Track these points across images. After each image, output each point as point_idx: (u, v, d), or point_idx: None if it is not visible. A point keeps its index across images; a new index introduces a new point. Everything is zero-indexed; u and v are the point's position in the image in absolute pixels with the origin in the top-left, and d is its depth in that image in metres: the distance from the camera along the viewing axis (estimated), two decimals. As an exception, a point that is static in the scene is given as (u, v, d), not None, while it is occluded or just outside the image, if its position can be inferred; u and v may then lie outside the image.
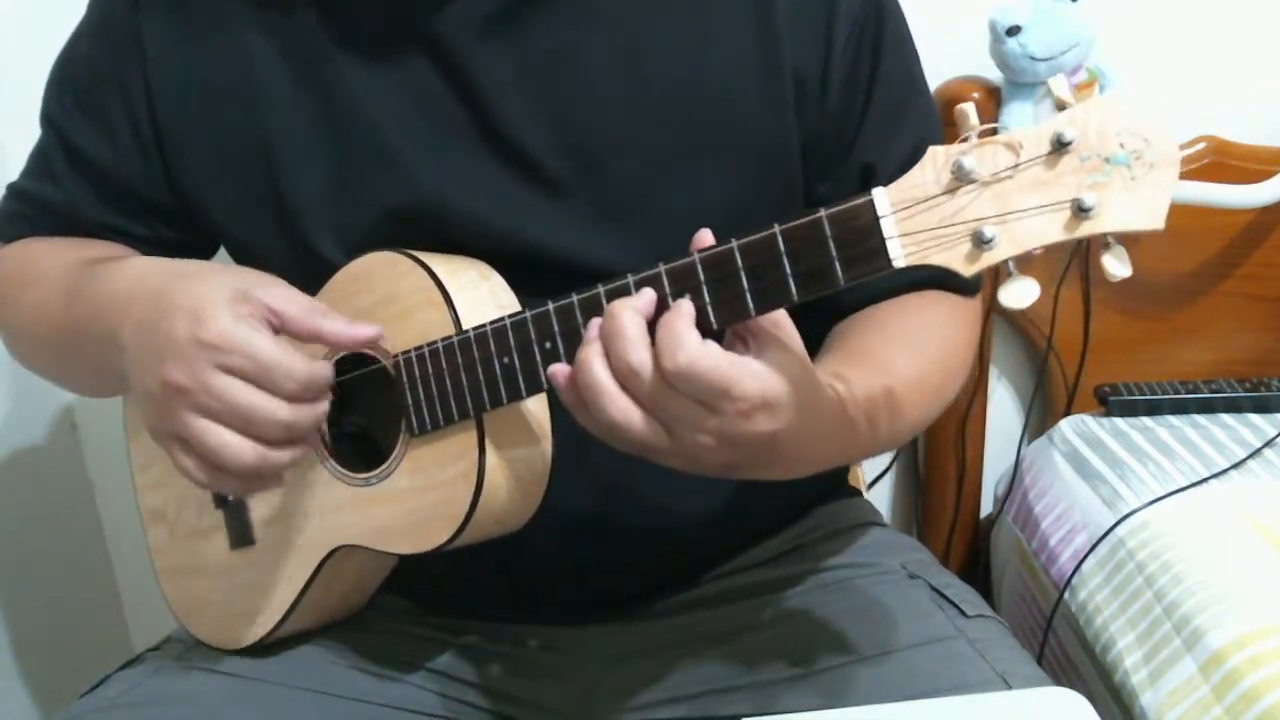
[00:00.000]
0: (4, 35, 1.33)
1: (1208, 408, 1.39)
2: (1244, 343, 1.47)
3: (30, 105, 0.96)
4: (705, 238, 0.68)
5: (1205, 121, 1.41)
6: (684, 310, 0.66)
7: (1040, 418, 1.54)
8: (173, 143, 0.89)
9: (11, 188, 0.97)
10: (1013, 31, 1.29)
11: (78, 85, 0.92)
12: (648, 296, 0.67)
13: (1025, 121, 1.33)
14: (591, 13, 0.83)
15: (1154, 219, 0.57)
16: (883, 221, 0.62)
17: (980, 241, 0.60)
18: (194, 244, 0.96)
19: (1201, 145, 1.40)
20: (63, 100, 0.93)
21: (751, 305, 0.66)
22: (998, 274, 0.61)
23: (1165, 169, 0.57)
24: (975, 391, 1.47)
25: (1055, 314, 1.36)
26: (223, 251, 0.96)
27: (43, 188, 0.94)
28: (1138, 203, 0.57)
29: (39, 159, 0.95)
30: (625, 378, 0.66)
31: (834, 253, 0.63)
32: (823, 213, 0.64)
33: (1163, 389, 1.41)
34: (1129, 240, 0.59)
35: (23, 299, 0.91)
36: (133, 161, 0.90)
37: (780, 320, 0.68)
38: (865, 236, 0.62)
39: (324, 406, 0.76)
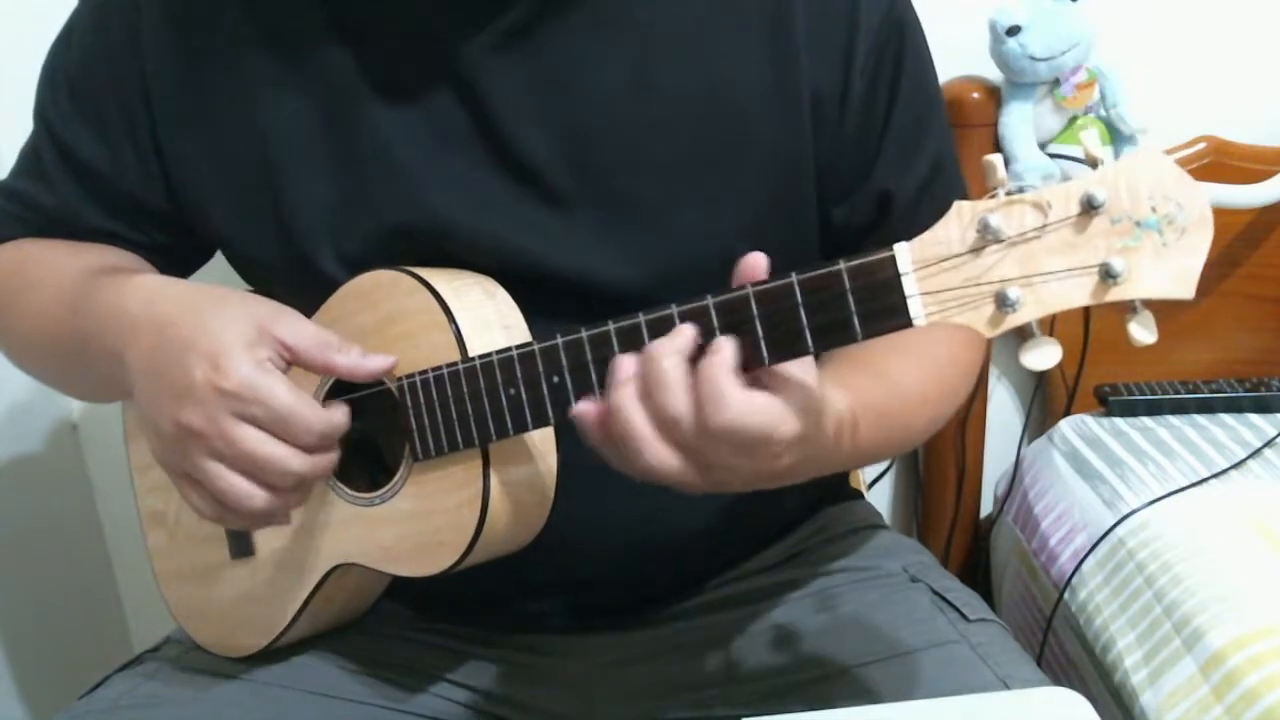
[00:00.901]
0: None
1: (1208, 408, 1.40)
2: (1244, 343, 1.47)
3: (21, 101, 0.94)
4: (758, 262, 0.65)
5: (1205, 121, 1.41)
6: (726, 359, 0.63)
7: (1040, 418, 1.54)
8: (172, 151, 0.88)
9: (1, 186, 0.95)
10: (1013, 31, 1.29)
11: (73, 87, 0.90)
12: (688, 334, 0.65)
13: (1025, 122, 1.33)
14: (604, 31, 0.82)
15: (1184, 288, 0.56)
16: (904, 279, 0.60)
17: (1004, 303, 0.58)
18: (190, 249, 0.95)
19: (1201, 145, 1.40)
20: (57, 100, 0.91)
21: (766, 354, 0.64)
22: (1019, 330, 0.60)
23: (1198, 234, 0.56)
24: (975, 391, 1.47)
25: (1055, 314, 1.36)
26: (220, 258, 0.96)
27: (35, 188, 0.92)
28: (1168, 270, 0.56)
29: (31, 158, 0.93)
30: (666, 426, 0.64)
31: (853, 307, 0.62)
32: (842, 265, 0.62)
33: (1163, 389, 1.42)
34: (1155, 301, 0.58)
35: (18, 303, 0.90)
36: (129, 167, 0.89)
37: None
38: (885, 293, 0.61)
39: (335, 455, 0.76)
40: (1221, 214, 1.48)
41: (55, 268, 0.89)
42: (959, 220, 0.59)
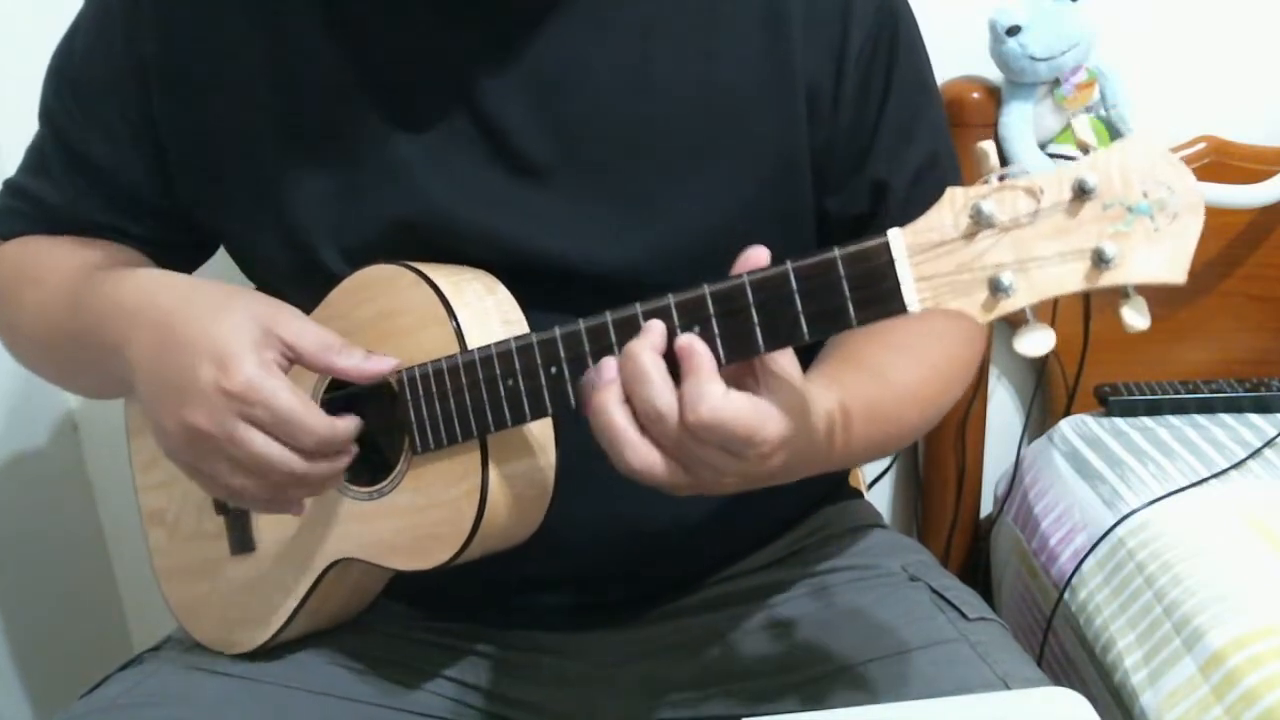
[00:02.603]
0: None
1: (1208, 408, 1.39)
2: (1244, 343, 1.47)
3: (24, 99, 0.95)
4: (759, 255, 0.66)
5: (1205, 121, 1.41)
6: (705, 359, 0.64)
7: (1040, 418, 1.54)
8: (173, 148, 0.88)
9: (8, 184, 0.96)
10: (1013, 31, 1.29)
11: (76, 82, 0.91)
12: (659, 331, 0.66)
13: (1025, 122, 1.33)
14: (600, 26, 0.82)
15: (1176, 272, 0.56)
16: (898, 265, 0.61)
17: (997, 289, 0.59)
18: (193, 245, 0.96)
19: (1201, 145, 1.40)
20: (61, 97, 0.92)
21: (761, 342, 0.65)
22: (1012, 318, 0.61)
23: (1189, 219, 0.56)
24: (975, 391, 1.47)
25: (1055, 314, 1.35)
26: (224, 254, 0.96)
27: (40, 185, 0.93)
28: (1160, 254, 0.56)
29: (36, 155, 0.94)
30: (650, 421, 0.65)
31: (847, 294, 0.62)
32: (836, 252, 0.63)
33: (1163, 389, 1.41)
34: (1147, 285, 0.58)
35: (22, 299, 0.91)
36: (131, 163, 0.90)
37: (783, 354, 0.68)
38: (879, 279, 0.61)
39: (344, 462, 0.77)
40: (1221, 214, 1.49)
41: (56, 264, 0.90)
42: (952, 206, 0.60)
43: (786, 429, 0.66)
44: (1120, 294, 0.58)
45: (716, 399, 0.63)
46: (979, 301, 0.59)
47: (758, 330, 0.65)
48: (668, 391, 0.64)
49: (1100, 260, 0.57)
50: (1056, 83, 1.33)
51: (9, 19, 1.32)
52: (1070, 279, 0.58)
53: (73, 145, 0.91)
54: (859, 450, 0.79)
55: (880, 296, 0.62)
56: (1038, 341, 0.60)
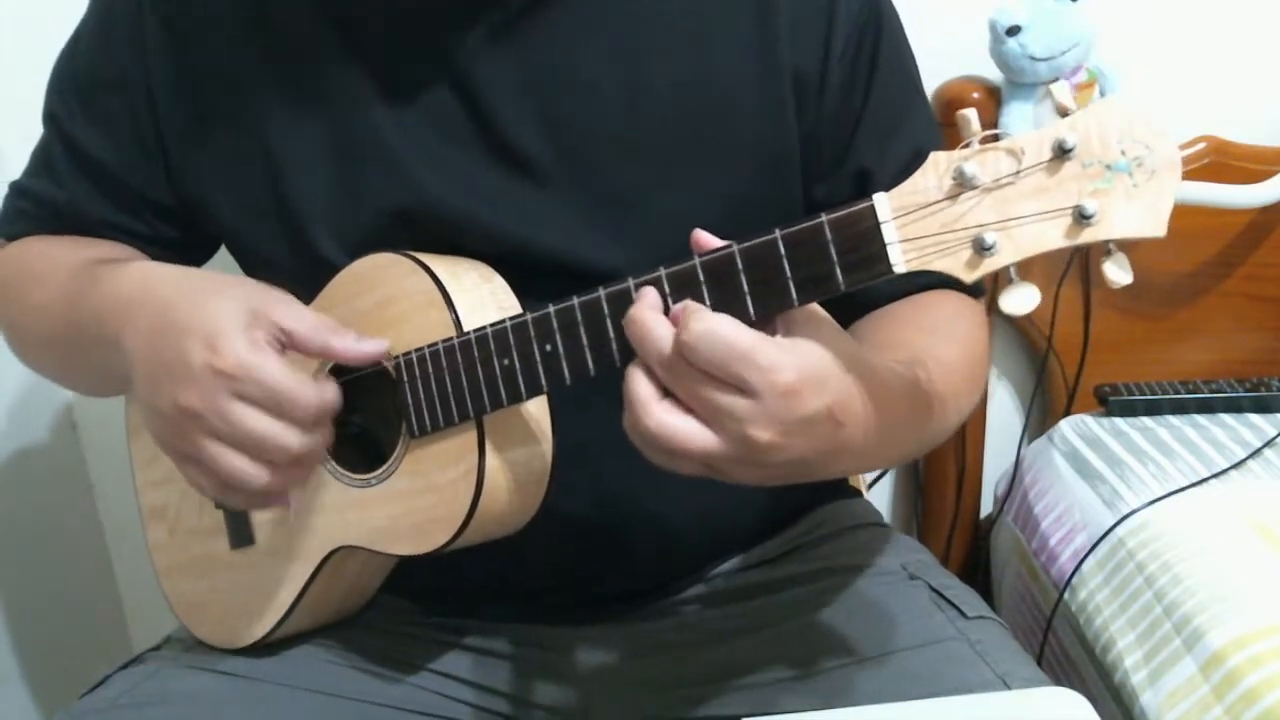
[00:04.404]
0: (1, 32, 1.33)
1: (1208, 408, 1.39)
2: (1244, 343, 1.47)
3: (28, 102, 0.96)
4: (701, 237, 0.68)
5: (1205, 121, 1.40)
6: (699, 307, 0.65)
7: (1040, 418, 1.54)
8: (176, 147, 0.89)
9: (14, 186, 0.97)
10: (1013, 31, 1.29)
11: (80, 83, 0.92)
12: (654, 294, 0.67)
13: (1025, 122, 1.34)
14: (592, 21, 0.83)
15: (1156, 226, 0.58)
16: (884, 227, 0.62)
17: (981, 248, 0.60)
18: (196, 243, 0.96)
19: (1201, 145, 1.40)
20: (65, 98, 0.93)
21: (752, 310, 0.66)
22: (998, 279, 0.61)
23: (1167, 176, 0.57)
24: (975, 391, 1.47)
25: (1055, 314, 1.36)
26: (224, 253, 0.96)
27: (45, 186, 0.94)
28: (1139, 210, 0.58)
29: (41, 157, 0.95)
30: (664, 373, 0.65)
31: (835, 258, 0.63)
32: (824, 217, 0.64)
33: (1163, 389, 1.41)
34: (1128, 241, 0.59)
35: (26, 299, 0.92)
36: (135, 161, 0.91)
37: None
38: (866, 242, 0.63)
39: (328, 432, 0.77)
40: (1221, 214, 1.49)
41: (57, 262, 0.90)
42: (935, 169, 0.61)
43: (805, 360, 0.64)
44: (1102, 250, 0.59)
45: (707, 313, 0.64)
46: (963, 260, 0.61)
47: (748, 298, 0.66)
48: (669, 336, 0.64)
49: (1081, 217, 0.58)
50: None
51: (10, 21, 1.32)
52: (1052, 236, 0.59)
53: (76, 145, 0.92)
54: (933, 429, 0.77)
55: (867, 259, 0.63)
56: (1022, 298, 0.61)
